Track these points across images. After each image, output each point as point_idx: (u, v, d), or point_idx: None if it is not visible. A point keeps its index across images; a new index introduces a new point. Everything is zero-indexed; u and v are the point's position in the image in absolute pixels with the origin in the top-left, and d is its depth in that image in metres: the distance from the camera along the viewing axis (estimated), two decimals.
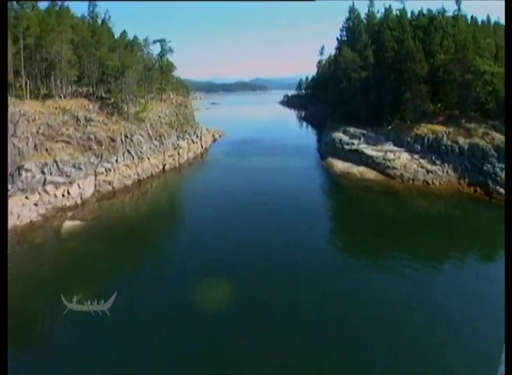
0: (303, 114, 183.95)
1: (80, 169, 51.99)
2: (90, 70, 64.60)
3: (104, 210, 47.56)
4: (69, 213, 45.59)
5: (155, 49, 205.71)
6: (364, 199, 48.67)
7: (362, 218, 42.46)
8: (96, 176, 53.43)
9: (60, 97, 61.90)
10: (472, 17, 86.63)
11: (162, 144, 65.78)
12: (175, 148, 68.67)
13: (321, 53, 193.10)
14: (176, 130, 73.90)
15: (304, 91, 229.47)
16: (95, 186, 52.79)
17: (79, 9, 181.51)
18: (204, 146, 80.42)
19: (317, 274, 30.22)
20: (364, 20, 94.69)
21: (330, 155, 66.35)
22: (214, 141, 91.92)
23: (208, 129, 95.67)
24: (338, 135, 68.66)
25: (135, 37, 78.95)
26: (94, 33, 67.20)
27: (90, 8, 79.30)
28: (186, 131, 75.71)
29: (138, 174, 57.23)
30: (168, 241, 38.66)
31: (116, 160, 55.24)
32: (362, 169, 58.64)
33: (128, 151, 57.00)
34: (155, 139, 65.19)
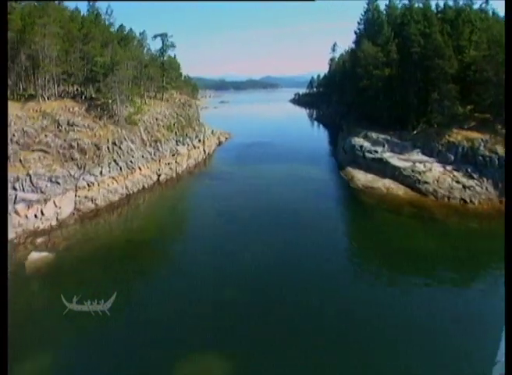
0: (315, 113, 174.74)
1: (58, 183, 43.65)
2: (76, 68, 56.24)
3: (82, 235, 39.00)
4: (40, 240, 37.33)
5: (157, 44, 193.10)
6: (392, 226, 39.13)
7: (392, 258, 32.94)
8: (76, 191, 45.11)
9: (44, 98, 53.86)
10: (494, 12, 77.16)
11: (158, 150, 57.21)
12: (173, 155, 60.06)
13: (334, 50, 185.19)
14: (176, 133, 65.30)
15: (315, 90, 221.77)
16: (75, 203, 44.49)
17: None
18: (207, 151, 71.63)
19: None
20: (385, 11, 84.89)
21: (349, 163, 57.29)
22: (219, 144, 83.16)
23: (213, 131, 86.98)
24: (358, 141, 59.37)
25: (130, 30, 70.18)
26: (83, 26, 58.67)
27: (90, 3, 71.17)
28: (186, 135, 67.00)
29: (127, 188, 48.74)
30: (159, 288, 29.00)
31: (101, 172, 46.81)
32: (388, 182, 49.42)
33: (115, 160, 48.54)
34: (150, 145, 56.68)
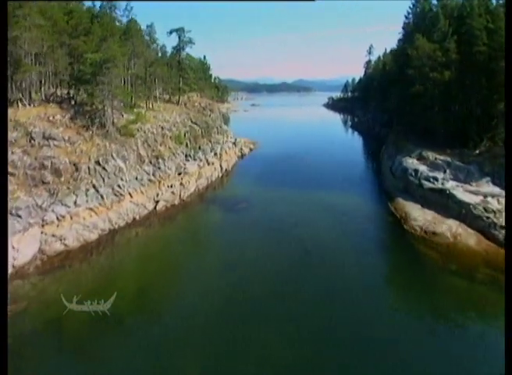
0: (349, 119, 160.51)
1: (19, 216, 32.54)
2: (63, 66, 45.41)
3: (37, 296, 27.68)
4: None
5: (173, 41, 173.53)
6: (464, 305, 25.97)
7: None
8: (43, 226, 33.96)
9: (24, 104, 43.40)
10: None
11: (159, 169, 45.42)
12: (179, 174, 48.20)
13: (370, 53, 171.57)
14: (187, 145, 53.52)
15: (350, 94, 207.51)
16: (40, 243, 33.30)
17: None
18: (224, 167, 59.25)
19: None
20: (437, 2, 70.16)
21: (401, 193, 43.59)
22: (242, 156, 70.59)
23: (235, 141, 74.74)
24: (411, 162, 45.46)
25: (133, 21, 58.51)
26: (72, 17, 47.62)
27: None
28: (200, 148, 54.99)
29: (111, 221, 36.96)
30: None
31: (75, 202, 35.35)
32: (454, 225, 35.41)
33: (94, 186, 36.96)
34: (149, 162, 45.05)
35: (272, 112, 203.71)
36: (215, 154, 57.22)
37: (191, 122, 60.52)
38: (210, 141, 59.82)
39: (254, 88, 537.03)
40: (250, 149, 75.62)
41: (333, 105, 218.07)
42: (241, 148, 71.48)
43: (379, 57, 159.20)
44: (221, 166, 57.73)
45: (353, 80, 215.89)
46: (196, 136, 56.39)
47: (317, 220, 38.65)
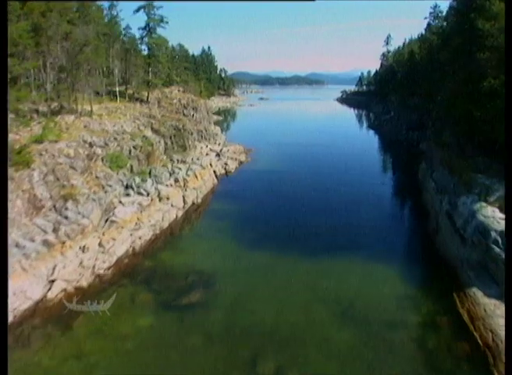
0: (365, 115, 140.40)
1: None
2: None
3: None
4: None
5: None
6: None
7: None
8: None
9: None
10: None
11: (66, 219, 26.17)
12: (106, 221, 29.18)
13: (388, 43, 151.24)
14: (132, 169, 34.54)
15: (365, 88, 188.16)
16: None
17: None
18: (190, 200, 36.96)
19: None
20: None
21: (475, 272, 23.08)
22: (226, 173, 50.74)
23: (220, 151, 55.34)
24: (492, 217, 24.64)
25: None
26: None
27: None
28: (150, 173, 35.64)
29: None
30: None
31: None
32: None
33: None
34: (50, 210, 26.20)
35: (279, 107, 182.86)
36: (175, 180, 37.34)
37: (151, 130, 41.44)
38: (171, 160, 40.39)
39: (265, 81, 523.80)
40: (240, 162, 54.90)
41: (347, 100, 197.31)
42: (225, 163, 51.44)
43: (399, 47, 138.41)
44: (184, 198, 36.21)
45: (369, 72, 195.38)
46: (150, 153, 37.17)
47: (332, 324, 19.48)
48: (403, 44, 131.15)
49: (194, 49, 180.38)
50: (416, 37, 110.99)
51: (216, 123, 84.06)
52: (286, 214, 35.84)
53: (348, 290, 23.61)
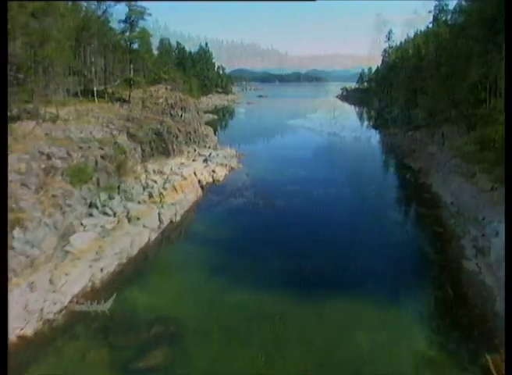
0: (366, 113, 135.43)
1: None
2: None
3: None
4: None
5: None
6: None
7: None
8: None
9: None
10: None
11: (12, 250, 21.68)
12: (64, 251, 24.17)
13: (389, 39, 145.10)
14: (98, 183, 29.49)
15: (366, 85, 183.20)
16: None
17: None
18: (167, 218, 30.65)
19: None
20: None
21: None
22: (213, 182, 44.96)
23: (208, 156, 50.18)
24: None
25: None
26: None
27: None
28: (118, 188, 30.36)
29: None
30: None
31: None
32: None
33: None
34: None
35: (278, 104, 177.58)
36: (150, 195, 32.23)
37: (127, 135, 36.41)
38: (146, 171, 35.30)
39: (265, 78, 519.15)
40: (231, 168, 49.92)
41: (348, 97, 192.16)
42: (213, 171, 46.32)
43: (401, 42, 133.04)
44: (160, 217, 30.37)
45: (370, 69, 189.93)
46: (122, 163, 32.10)
47: None
48: (405, 40, 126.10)
49: (192, 47, 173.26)
50: (413, 33, 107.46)
51: (209, 123, 79.03)
52: (279, 238, 30.31)
53: (355, 350, 18.39)
